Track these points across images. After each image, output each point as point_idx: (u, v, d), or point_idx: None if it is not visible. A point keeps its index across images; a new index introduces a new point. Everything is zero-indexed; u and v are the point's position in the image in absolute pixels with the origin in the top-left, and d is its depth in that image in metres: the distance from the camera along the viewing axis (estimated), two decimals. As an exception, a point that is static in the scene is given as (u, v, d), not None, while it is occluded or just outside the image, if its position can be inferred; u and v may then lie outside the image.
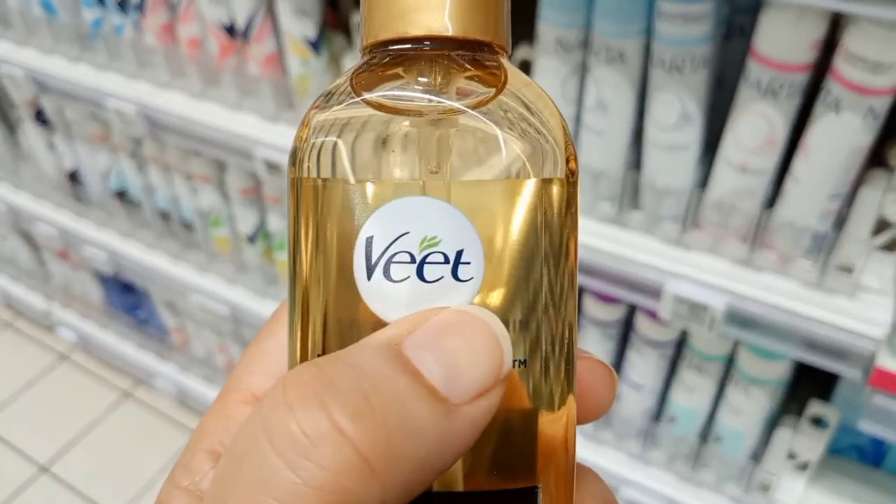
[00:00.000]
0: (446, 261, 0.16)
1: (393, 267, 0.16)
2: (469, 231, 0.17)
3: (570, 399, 0.19)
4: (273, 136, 0.84)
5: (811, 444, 0.73)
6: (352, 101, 0.18)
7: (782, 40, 0.54)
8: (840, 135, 0.55)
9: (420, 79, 0.18)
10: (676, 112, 0.60)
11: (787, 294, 0.62)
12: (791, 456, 0.75)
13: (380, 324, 0.17)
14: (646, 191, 0.66)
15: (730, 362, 0.74)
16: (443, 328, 0.16)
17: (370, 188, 0.17)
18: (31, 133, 1.21)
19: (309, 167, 0.18)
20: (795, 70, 0.55)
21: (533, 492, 0.17)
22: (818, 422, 0.73)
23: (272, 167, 0.84)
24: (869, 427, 0.63)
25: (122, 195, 1.15)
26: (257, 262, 1.04)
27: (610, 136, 0.65)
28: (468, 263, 0.17)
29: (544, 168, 0.18)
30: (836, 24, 0.54)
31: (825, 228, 0.60)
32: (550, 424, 0.18)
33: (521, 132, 0.18)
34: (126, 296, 1.34)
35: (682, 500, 0.80)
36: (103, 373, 1.49)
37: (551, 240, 0.18)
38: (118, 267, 1.20)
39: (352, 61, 0.81)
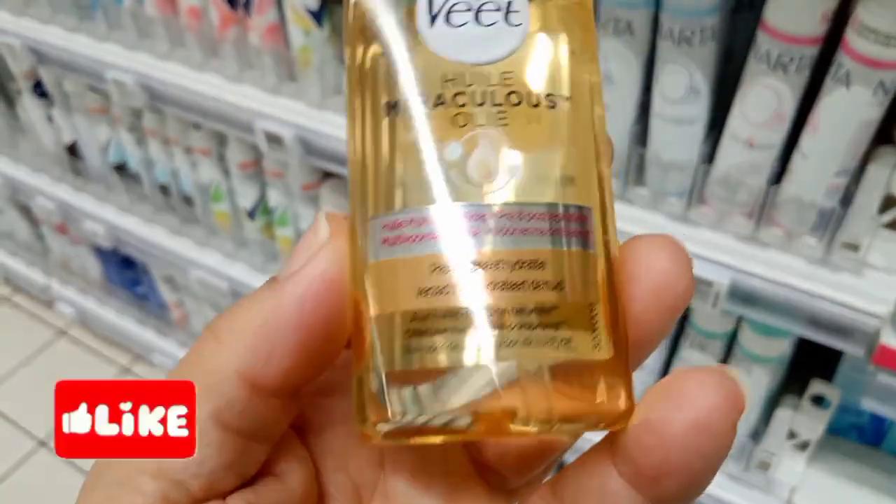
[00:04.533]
0: (499, 9, 0.19)
1: (453, 14, 0.19)
2: None
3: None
4: (274, 109, 0.83)
5: (812, 424, 0.73)
6: None
7: (793, 12, 0.53)
8: (849, 109, 0.54)
9: None
10: (684, 85, 0.60)
11: (792, 271, 0.61)
12: (791, 435, 0.74)
13: (441, 62, 0.19)
14: (651, 165, 0.66)
15: (731, 340, 0.73)
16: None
17: None
18: (29, 105, 1.19)
19: None
20: (806, 43, 0.54)
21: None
22: (819, 401, 0.73)
23: (273, 140, 0.83)
24: (871, 405, 0.63)
25: (121, 168, 1.14)
26: (257, 238, 1.04)
27: (616, 109, 0.64)
28: (517, 12, 0.20)
29: None
30: (849, -4, 0.53)
31: (832, 205, 0.59)
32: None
33: None
34: (125, 271, 1.33)
35: (681, 478, 0.79)
36: (102, 348, 1.49)
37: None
38: (117, 241, 1.19)
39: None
